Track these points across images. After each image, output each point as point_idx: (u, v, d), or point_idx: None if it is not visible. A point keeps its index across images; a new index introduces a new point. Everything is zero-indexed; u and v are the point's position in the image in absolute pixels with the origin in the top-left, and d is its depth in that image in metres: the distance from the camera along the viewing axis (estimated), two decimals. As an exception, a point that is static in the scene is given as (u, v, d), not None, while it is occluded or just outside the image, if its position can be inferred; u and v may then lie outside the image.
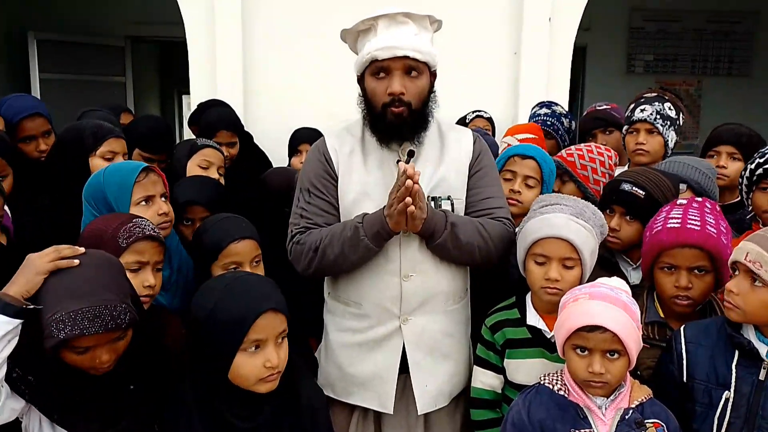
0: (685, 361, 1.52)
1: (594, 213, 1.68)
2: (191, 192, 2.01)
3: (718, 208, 1.69)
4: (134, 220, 1.54)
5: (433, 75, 1.75)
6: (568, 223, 1.60)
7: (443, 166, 1.78)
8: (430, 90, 1.74)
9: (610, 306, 1.39)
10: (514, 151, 2.09)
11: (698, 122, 6.42)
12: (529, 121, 3.08)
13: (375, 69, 1.67)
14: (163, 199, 1.77)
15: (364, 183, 1.74)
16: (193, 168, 2.23)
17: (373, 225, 1.63)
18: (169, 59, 8.09)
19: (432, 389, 1.76)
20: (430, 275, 1.72)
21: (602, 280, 1.48)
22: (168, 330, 1.58)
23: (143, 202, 1.71)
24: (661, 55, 6.42)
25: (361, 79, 1.75)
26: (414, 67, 1.66)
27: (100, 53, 5.70)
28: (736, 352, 1.46)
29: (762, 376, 1.42)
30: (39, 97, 5.28)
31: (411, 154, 1.73)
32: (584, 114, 2.95)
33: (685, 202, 1.68)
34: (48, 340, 1.21)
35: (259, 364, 1.32)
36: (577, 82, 6.71)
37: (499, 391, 1.74)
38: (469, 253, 1.72)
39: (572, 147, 2.36)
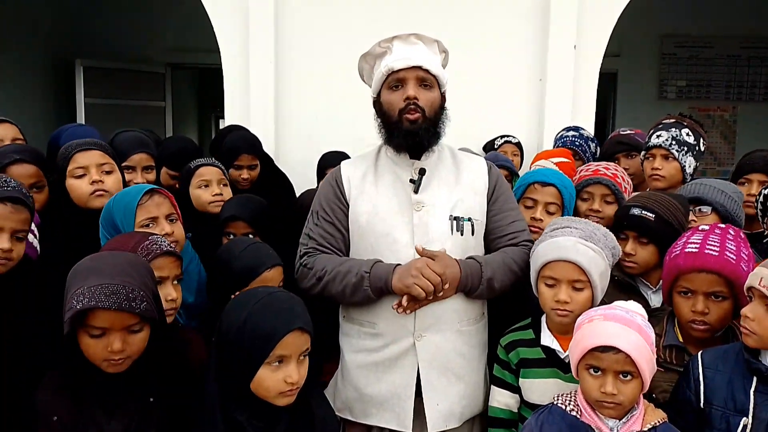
0: (702, 387, 1.52)
1: (605, 235, 1.70)
2: (234, 208, 2.14)
3: (743, 236, 1.69)
4: (150, 237, 1.61)
5: (442, 97, 1.84)
6: (576, 245, 1.63)
7: (459, 187, 1.84)
8: (442, 105, 1.83)
9: (624, 328, 1.41)
10: (533, 179, 2.11)
11: (734, 148, 6.33)
12: (556, 142, 3.11)
13: (392, 81, 1.78)
14: (170, 220, 1.82)
15: (374, 203, 1.82)
16: (195, 192, 2.29)
17: (378, 279, 1.71)
18: (207, 85, 8.38)
19: (443, 409, 1.78)
20: (450, 297, 1.75)
21: (618, 303, 1.50)
22: (191, 347, 1.63)
23: (148, 224, 1.77)
24: (694, 81, 6.38)
25: (377, 102, 1.85)
26: (426, 79, 1.77)
27: (141, 79, 5.97)
28: (755, 378, 1.46)
29: (780, 402, 1.41)
30: (84, 121, 5.54)
31: (422, 172, 1.80)
32: (608, 138, 2.96)
33: (707, 227, 1.69)
34: (67, 313, 1.29)
35: (280, 378, 1.37)
36: (607, 108, 6.70)
37: (515, 410, 1.76)
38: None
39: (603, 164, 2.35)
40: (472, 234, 1.82)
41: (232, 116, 3.53)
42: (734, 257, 1.58)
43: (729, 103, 6.39)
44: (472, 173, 1.89)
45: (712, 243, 1.60)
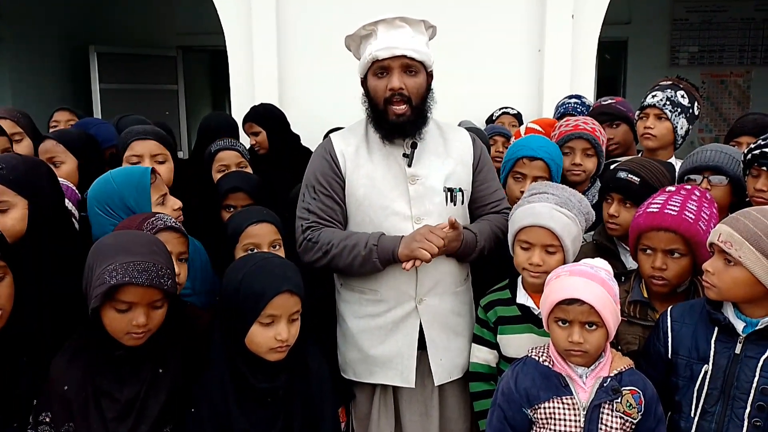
0: (670, 339, 1.61)
1: (580, 201, 1.79)
2: (235, 180, 2.26)
3: (709, 197, 1.75)
4: (156, 215, 1.73)
5: (429, 76, 1.90)
6: (551, 212, 1.72)
7: (449, 159, 1.93)
8: (428, 89, 1.88)
9: (588, 281, 1.50)
10: (521, 153, 2.15)
11: (748, 113, 6.26)
12: (558, 109, 3.15)
13: (376, 69, 1.81)
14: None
15: (371, 177, 1.88)
16: (216, 176, 2.45)
17: (386, 251, 1.79)
18: (220, 68, 8.47)
19: (446, 363, 1.91)
20: (441, 260, 1.86)
21: (584, 261, 1.60)
22: (199, 322, 1.70)
23: (161, 202, 1.89)
24: (706, 46, 6.31)
25: (364, 81, 1.89)
26: (411, 66, 1.80)
27: (154, 63, 6.11)
28: (716, 329, 1.55)
29: (738, 350, 1.50)
30: (99, 106, 5.71)
31: (414, 146, 1.88)
32: (590, 109, 3.00)
33: (673, 188, 1.76)
34: (98, 288, 1.39)
35: (271, 336, 1.50)
36: (618, 77, 6.66)
37: (494, 365, 1.88)
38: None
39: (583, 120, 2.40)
40: (462, 203, 1.92)
41: (237, 97, 3.65)
42: (693, 216, 1.65)
43: (743, 68, 6.31)
44: (459, 145, 1.97)
45: (673, 203, 1.67)
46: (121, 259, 1.42)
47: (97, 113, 5.67)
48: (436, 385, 1.91)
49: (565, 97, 3.20)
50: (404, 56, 1.78)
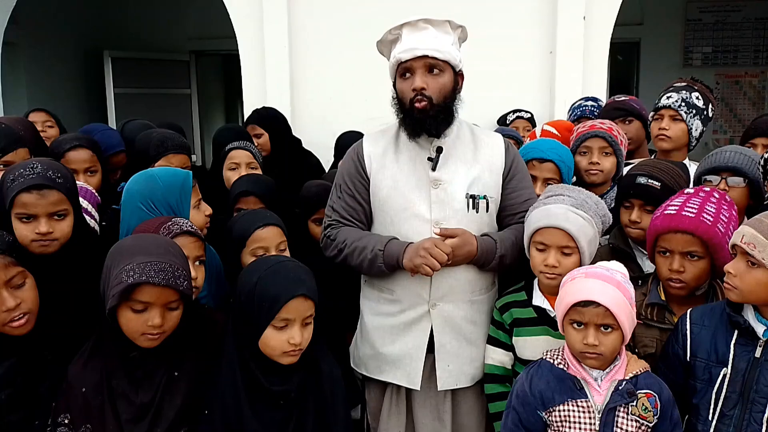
0: (689, 341, 1.60)
1: (596, 203, 1.78)
2: (246, 184, 2.29)
3: (728, 199, 1.73)
4: (173, 219, 1.74)
5: (459, 76, 1.90)
6: (566, 213, 1.71)
7: (477, 165, 1.91)
8: (455, 88, 1.87)
9: (603, 283, 1.50)
10: (532, 155, 2.16)
11: (763, 113, 6.19)
12: (573, 111, 3.13)
13: (402, 71, 1.84)
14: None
15: (395, 179, 1.89)
16: (226, 174, 2.52)
17: (391, 257, 1.82)
18: (232, 72, 8.54)
19: (453, 369, 1.90)
20: (458, 267, 1.85)
21: (600, 263, 1.59)
22: (216, 326, 1.69)
23: (198, 206, 1.94)
24: (720, 46, 6.24)
25: (395, 85, 1.92)
26: (435, 65, 1.81)
27: (167, 68, 6.17)
28: (735, 332, 1.53)
29: (758, 354, 1.49)
30: (114, 110, 5.77)
31: (440, 150, 1.87)
32: (604, 105, 2.99)
33: (692, 191, 1.75)
34: (116, 288, 1.41)
35: (284, 339, 1.51)
36: (630, 78, 6.62)
37: (509, 367, 1.87)
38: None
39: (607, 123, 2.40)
40: (487, 211, 1.91)
41: (249, 101, 3.67)
42: (711, 219, 1.64)
43: (757, 69, 6.24)
44: (490, 151, 1.95)
45: (691, 205, 1.66)
46: (139, 260, 1.44)
47: (111, 117, 5.73)
48: (439, 389, 1.91)
49: (581, 99, 3.18)
50: (426, 56, 1.79)
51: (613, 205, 2.21)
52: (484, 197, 1.89)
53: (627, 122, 2.71)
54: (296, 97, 3.64)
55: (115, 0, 6.14)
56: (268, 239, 1.89)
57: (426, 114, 1.82)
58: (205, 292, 1.90)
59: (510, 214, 1.97)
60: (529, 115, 3.46)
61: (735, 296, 1.50)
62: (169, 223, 1.72)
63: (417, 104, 1.81)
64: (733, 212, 1.71)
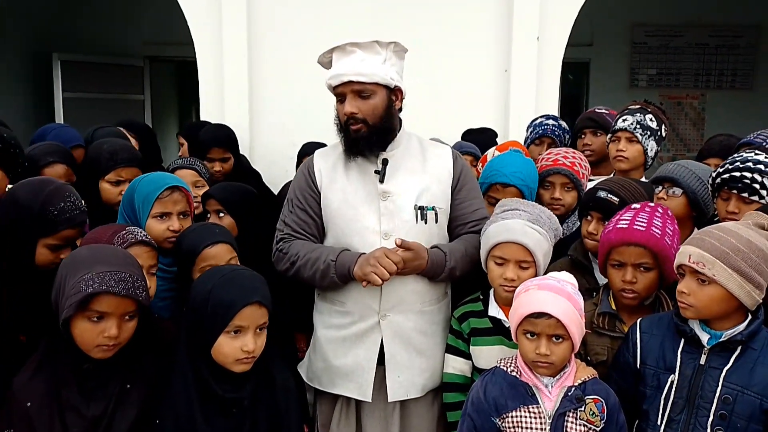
0: (639, 349, 1.67)
1: (549, 218, 1.86)
2: (212, 188, 2.30)
3: (670, 213, 1.83)
4: (127, 228, 1.73)
5: (397, 91, 1.92)
6: (524, 228, 1.78)
7: (426, 176, 1.95)
8: (389, 105, 1.89)
9: (555, 295, 1.56)
10: (495, 180, 2.21)
11: (702, 135, 6.50)
12: (535, 129, 3.15)
13: (336, 95, 1.90)
14: (181, 216, 1.96)
15: (345, 192, 1.93)
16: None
17: (343, 267, 1.85)
18: (187, 78, 8.41)
19: (404, 380, 1.92)
20: (408, 278, 1.89)
21: (552, 274, 1.66)
22: (165, 334, 1.69)
23: (159, 217, 1.92)
24: (664, 69, 6.54)
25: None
26: (362, 90, 1.84)
27: (119, 73, 6.02)
28: (682, 340, 1.61)
29: (702, 361, 1.57)
30: (62, 115, 5.60)
31: (385, 162, 1.92)
32: (583, 112, 3.08)
33: (638, 206, 1.83)
34: (73, 297, 1.38)
35: (237, 346, 1.51)
36: (580, 97, 6.86)
37: (468, 375, 1.91)
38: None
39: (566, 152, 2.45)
40: (436, 222, 1.94)
41: (207, 109, 3.63)
42: (659, 232, 1.73)
43: (698, 91, 6.56)
44: (438, 161, 2.00)
45: (641, 220, 1.75)
46: (98, 269, 1.42)
47: (60, 122, 5.55)
48: (389, 400, 1.92)
49: (541, 117, 3.21)
50: (352, 81, 1.83)
51: (573, 230, 2.30)
52: (433, 208, 1.93)
53: (597, 134, 2.81)
54: (255, 105, 3.63)
55: (67, 2, 5.97)
56: (217, 257, 1.85)
57: (360, 135, 1.87)
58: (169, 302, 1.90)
59: (461, 224, 2.01)
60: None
61: (691, 314, 1.57)
62: (123, 232, 1.71)
63: (352, 127, 1.87)
64: (675, 225, 1.81)
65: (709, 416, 1.54)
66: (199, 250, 1.85)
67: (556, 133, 3.08)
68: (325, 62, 1.94)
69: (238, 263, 1.90)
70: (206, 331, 1.52)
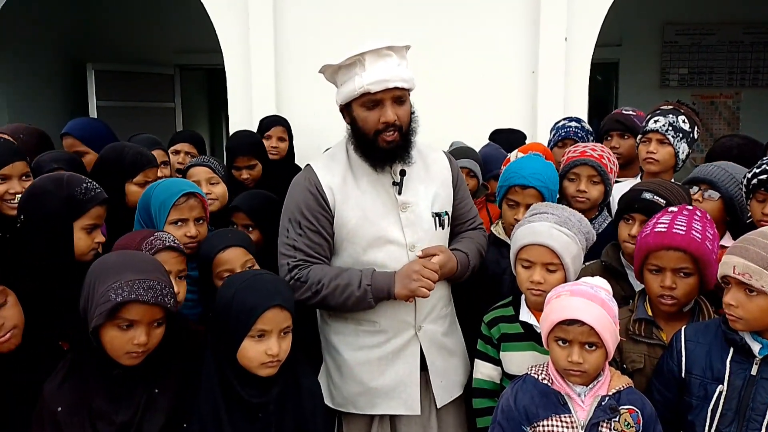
0: (684, 358, 1.62)
1: (580, 221, 1.81)
2: (238, 199, 2.30)
3: (709, 217, 1.78)
4: (155, 234, 1.76)
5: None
6: (550, 230, 1.74)
7: (432, 183, 1.93)
8: (412, 111, 1.86)
9: (588, 302, 1.52)
10: (514, 182, 2.13)
11: (736, 133, 6.35)
12: (558, 131, 3.10)
13: (366, 101, 1.77)
14: (197, 222, 1.99)
15: (362, 207, 1.84)
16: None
17: (380, 291, 1.77)
18: (217, 85, 8.52)
19: (446, 384, 1.93)
20: (436, 286, 1.85)
21: (585, 279, 1.62)
22: (193, 340, 1.71)
23: (176, 223, 1.95)
24: (696, 68, 6.40)
25: (345, 109, 1.85)
26: (401, 96, 1.79)
27: (151, 81, 6.13)
28: (731, 349, 1.56)
29: (754, 372, 1.51)
30: (96, 123, 5.71)
31: (403, 173, 1.86)
32: (610, 114, 3.02)
33: (676, 209, 1.78)
34: (102, 306, 1.40)
35: (262, 350, 1.53)
36: (609, 98, 6.75)
37: (497, 381, 1.88)
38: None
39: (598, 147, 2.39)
40: (448, 225, 1.95)
41: (235, 115, 3.68)
42: (700, 236, 1.67)
43: (732, 90, 6.40)
44: (438, 167, 1.97)
45: (680, 223, 1.69)
46: (126, 277, 1.43)
47: (95, 130, 5.67)
48: (439, 407, 1.91)
49: (564, 119, 3.18)
50: (396, 88, 1.76)
51: (601, 230, 2.24)
52: (446, 213, 1.93)
53: (624, 137, 2.74)
54: (282, 112, 3.65)
55: (99, 12, 6.11)
56: (231, 261, 1.88)
57: (396, 145, 1.80)
58: (199, 308, 1.94)
59: (460, 223, 2.03)
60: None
61: (741, 326, 1.52)
62: (152, 237, 1.74)
63: (386, 136, 1.78)
64: (714, 229, 1.75)
65: (761, 429, 1.48)
66: (213, 255, 1.89)
67: (579, 135, 3.01)
68: (345, 65, 1.79)
69: (255, 265, 1.94)
70: (231, 335, 1.53)
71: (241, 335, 1.52)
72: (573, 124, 3.09)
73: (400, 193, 1.86)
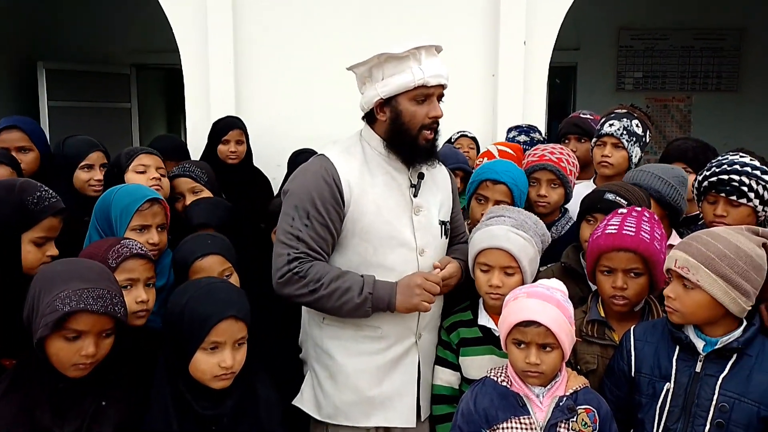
0: (633, 357, 1.66)
1: (535, 223, 1.84)
2: (204, 215, 2.16)
3: (656, 218, 1.82)
4: (122, 242, 1.69)
5: None
6: (507, 234, 1.76)
7: (439, 191, 1.92)
8: None
9: (544, 303, 1.54)
10: (486, 176, 2.16)
11: (688, 137, 6.54)
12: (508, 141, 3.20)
13: (418, 94, 1.73)
14: (159, 229, 1.93)
15: (377, 205, 1.77)
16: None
17: (381, 301, 1.71)
18: (175, 86, 8.35)
19: (427, 395, 1.90)
20: (438, 297, 1.85)
21: (541, 281, 1.64)
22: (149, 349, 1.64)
23: (138, 230, 1.88)
24: (650, 72, 6.58)
25: (387, 105, 1.76)
26: (443, 94, 1.80)
27: (106, 81, 5.95)
28: (677, 347, 1.60)
29: (698, 369, 1.55)
30: (48, 123, 5.53)
31: (421, 176, 1.83)
32: (568, 117, 3.07)
33: (625, 211, 1.82)
34: (49, 316, 1.33)
35: (215, 362, 1.47)
36: (567, 100, 6.89)
37: (457, 387, 1.89)
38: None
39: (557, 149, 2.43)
40: (448, 235, 1.94)
41: (193, 117, 3.60)
42: (648, 237, 1.71)
43: (684, 93, 6.60)
44: (442, 176, 1.96)
45: (629, 224, 1.73)
46: (74, 286, 1.37)
47: (45, 131, 5.49)
48: (422, 419, 1.88)
49: (513, 130, 3.21)
50: (443, 85, 1.77)
51: (563, 232, 2.27)
52: (448, 223, 1.92)
53: (580, 141, 2.78)
54: (242, 113, 3.58)
55: (52, 10, 5.92)
56: (209, 269, 1.81)
57: (432, 144, 1.78)
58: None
59: (453, 236, 2.01)
60: (472, 135, 3.54)
61: (677, 318, 1.57)
62: (118, 245, 1.67)
63: (428, 134, 1.76)
64: (662, 230, 1.80)
65: (705, 425, 1.52)
66: (190, 262, 1.82)
67: (525, 150, 3.03)
68: (399, 56, 1.70)
69: (234, 274, 1.88)
70: (182, 347, 1.48)
71: (193, 347, 1.47)
72: (522, 138, 3.09)
73: (416, 195, 1.82)
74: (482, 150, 3.41)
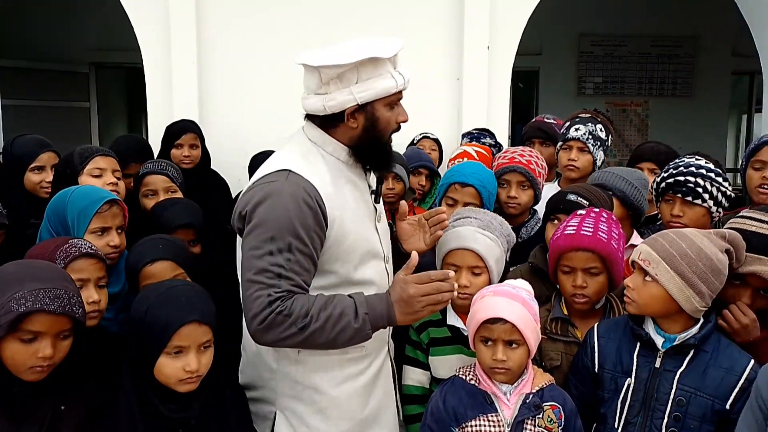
0: (596, 354, 1.70)
1: (501, 224, 1.88)
2: (182, 216, 2.11)
3: (614, 218, 1.88)
4: (70, 241, 1.64)
5: None
6: (474, 234, 1.79)
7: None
8: None
9: (510, 301, 1.58)
10: (454, 179, 2.16)
11: (647, 140, 6.73)
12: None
13: (393, 100, 1.62)
14: (118, 231, 1.88)
15: (355, 221, 1.62)
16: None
17: (380, 319, 1.52)
18: (137, 85, 8.16)
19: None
20: None
21: (507, 281, 1.67)
22: (110, 352, 1.60)
23: (98, 232, 1.82)
24: (609, 77, 6.76)
25: (360, 112, 1.59)
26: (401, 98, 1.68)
27: (63, 79, 5.82)
28: (638, 344, 1.65)
29: (657, 364, 1.61)
30: (2, 123, 5.35)
31: (381, 181, 1.77)
32: (532, 121, 3.14)
33: (584, 212, 1.87)
34: (3, 317, 1.28)
35: (179, 367, 1.45)
36: (530, 104, 7.03)
37: (427, 387, 1.90)
38: None
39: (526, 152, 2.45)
40: None
41: (155, 117, 3.53)
42: (606, 236, 1.77)
43: (641, 98, 6.81)
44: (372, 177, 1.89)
45: (587, 225, 1.78)
46: (30, 286, 1.33)
47: (-1, 131, 5.32)
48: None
49: (466, 137, 3.25)
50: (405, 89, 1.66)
51: (533, 233, 2.32)
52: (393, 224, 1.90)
53: (545, 145, 2.84)
54: (205, 113, 3.54)
55: (6, 6, 5.73)
56: (158, 276, 1.73)
57: (391, 147, 1.69)
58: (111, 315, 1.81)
59: None
60: (435, 137, 3.55)
61: (633, 309, 1.62)
62: (66, 245, 1.62)
63: (391, 139, 1.66)
64: (620, 229, 1.85)
65: (663, 418, 1.57)
66: (139, 269, 1.77)
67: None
68: (381, 59, 1.56)
69: (186, 277, 1.83)
70: (146, 352, 1.45)
71: (156, 352, 1.44)
72: (473, 144, 3.07)
73: (378, 201, 1.74)
74: (445, 151, 3.48)
